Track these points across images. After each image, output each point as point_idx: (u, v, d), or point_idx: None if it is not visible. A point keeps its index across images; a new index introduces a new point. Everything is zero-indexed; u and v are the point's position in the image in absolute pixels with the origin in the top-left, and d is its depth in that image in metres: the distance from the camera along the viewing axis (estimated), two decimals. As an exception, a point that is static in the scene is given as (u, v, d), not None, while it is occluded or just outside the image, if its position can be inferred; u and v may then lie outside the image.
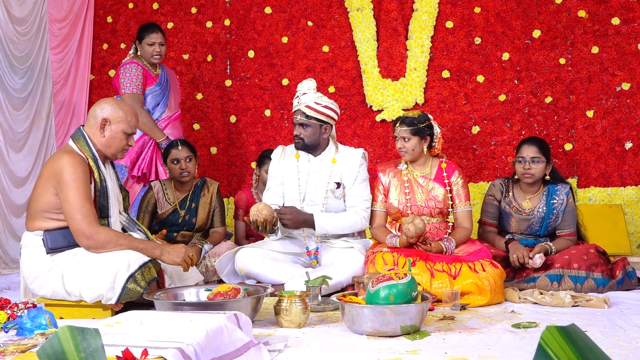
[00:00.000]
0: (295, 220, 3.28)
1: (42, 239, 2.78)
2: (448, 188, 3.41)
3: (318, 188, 3.41)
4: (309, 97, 3.32)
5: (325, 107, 3.34)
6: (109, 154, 2.90)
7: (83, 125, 2.93)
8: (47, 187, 2.77)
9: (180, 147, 3.89)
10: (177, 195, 3.96)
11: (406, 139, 3.37)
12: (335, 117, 3.40)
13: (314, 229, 3.32)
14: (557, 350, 1.07)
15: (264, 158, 4.30)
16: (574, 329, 1.08)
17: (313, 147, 3.42)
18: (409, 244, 3.20)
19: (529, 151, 3.50)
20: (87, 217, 2.70)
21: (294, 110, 3.37)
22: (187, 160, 3.89)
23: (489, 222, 3.63)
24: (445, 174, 3.43)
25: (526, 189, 3.58)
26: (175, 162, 3.88)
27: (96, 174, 2.82)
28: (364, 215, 3.40)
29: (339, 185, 3.40)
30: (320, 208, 3.39)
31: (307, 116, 3.32)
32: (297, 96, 3.35)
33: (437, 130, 3.45)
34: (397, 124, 3.40)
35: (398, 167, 3.50)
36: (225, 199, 5.11)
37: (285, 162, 3.49)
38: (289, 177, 3.46)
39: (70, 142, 2.88)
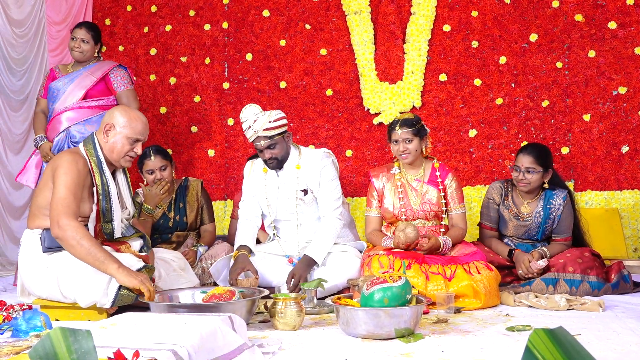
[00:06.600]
0: (304, 272, 3.16)
1: (40, 237, 2.80)
2: (441, 187, 3.41)
3: (287, 199, 3.34)
4: (262, 121, 3.17)
5: (277, 119, 3.22)
6: (113, 160, 2.87)
7: (96, 131, 2.93)
8: (46, 184, 2.80)
9: (153, 158, 3.74)
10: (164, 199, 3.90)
11: (408, 141, 3.33)
12: (286, 122, 3.29)
13: (317, 265, 3.23)
14: (545, 352, 1.07)
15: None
16: (562, 332, 1.09)
17: (285, 160, 3.34)
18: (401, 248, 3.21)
19: (524, 161, 3.46)
20: (67, 209, 2.65)
21: (251, 140, 3.24)
22: (162, 169, 3.75)
23: (489, 225, 3.62)
24: (438, 173, 3.43)
25: (523, 194, 3.58)
26: (150, 172, 3.76)
27: (97, 178, 2.82)
28: (337, 218, 3.34)
29: (306, 192, 3.33)
30: (295, 221, 3.36)
31: (270, 137, 3.21)
32: (250, 126, 3.19)
33: (427, 130, 3.45)
34: (397, 127, 3.33)
35: (391, 172, 3.49)
36: (222, 202, 5.11)
37: (254, 177, 3.44)
38: (259, 195, 3.42)
39: (80, 145, 2.91)
